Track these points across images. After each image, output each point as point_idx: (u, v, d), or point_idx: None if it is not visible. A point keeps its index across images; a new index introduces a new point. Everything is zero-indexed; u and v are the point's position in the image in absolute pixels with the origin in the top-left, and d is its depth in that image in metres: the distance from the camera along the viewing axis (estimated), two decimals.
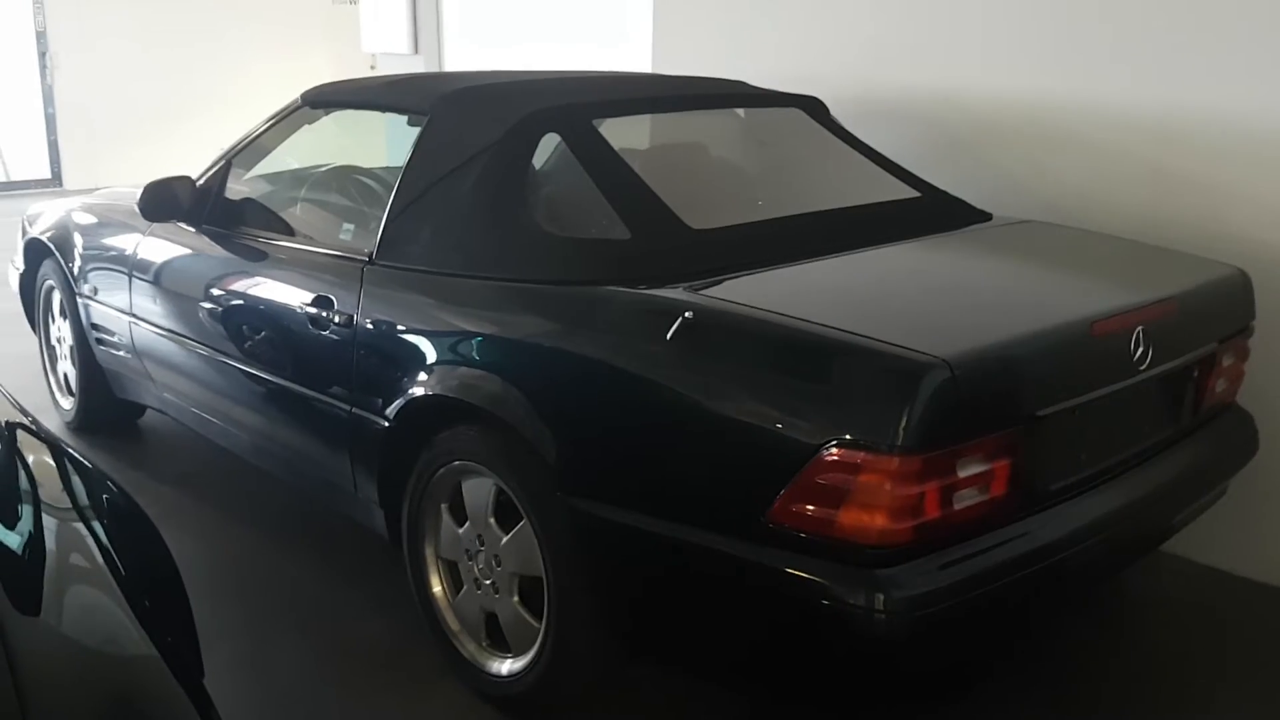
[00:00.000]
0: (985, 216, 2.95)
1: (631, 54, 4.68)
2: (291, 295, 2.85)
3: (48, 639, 1.34)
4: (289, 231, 3.13)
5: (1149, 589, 3.05)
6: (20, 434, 1.87)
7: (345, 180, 3.37)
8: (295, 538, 3.34)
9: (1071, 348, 2.16)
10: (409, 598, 2.67)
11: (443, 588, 2.60)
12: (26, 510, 1.63)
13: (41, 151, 9.87)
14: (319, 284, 2.78)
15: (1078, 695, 2.58)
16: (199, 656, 1.66)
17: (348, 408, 2.69)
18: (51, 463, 1.82)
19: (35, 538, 1.55)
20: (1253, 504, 2.94)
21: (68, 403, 4.15)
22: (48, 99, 9.75)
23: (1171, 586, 3.07)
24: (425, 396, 2.46)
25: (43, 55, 9.66)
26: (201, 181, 3.31)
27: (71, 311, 3.87)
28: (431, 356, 2.48)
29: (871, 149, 3.12)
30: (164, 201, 3.26)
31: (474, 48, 5.74)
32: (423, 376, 2.47)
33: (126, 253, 3.52)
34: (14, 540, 1.52)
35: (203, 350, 3.19)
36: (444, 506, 2.54)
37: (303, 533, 3.37)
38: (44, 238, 3.95)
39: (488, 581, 2.46)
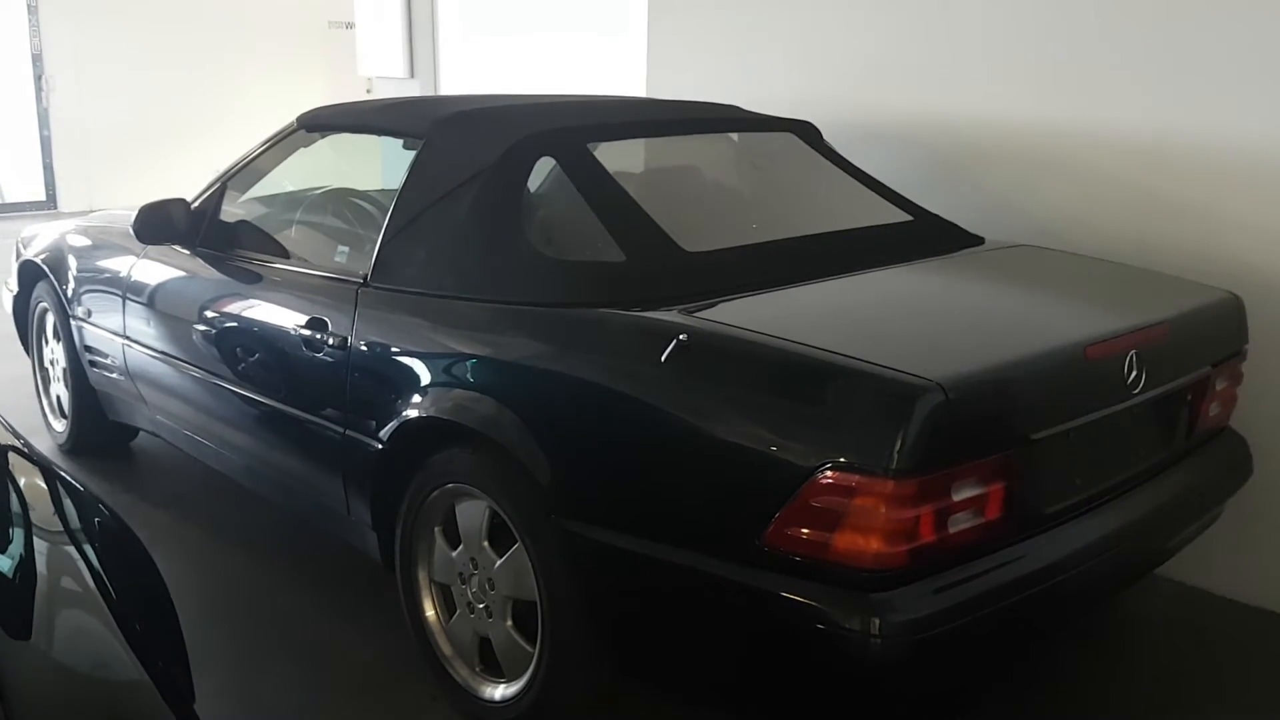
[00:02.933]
0: (978, 240, 2.96)
1: (628, 65, 4.71)
2: (286, 317, 2.85)
3: (38, 663, 1.33)
4: (284, 254, 3.13)
5: (1144, 612, 3.05)
6: (12, 456, 1.86)
7: (340, 203, 3.38)
8: (288, 561, 3.33)
9: (1065, 371, 2.16)
10: (402, 622, 2.65)
11: (436, 612, 2.59)
12: (18, 533, 1.62)
13: (37, 174, 9.88)
14: (313, 306, 2.78)
15: (1067, 717, 2.57)
16: (190, 681, 1.65)
17: (341, 430, 2.68)
18: (43, 485, 1.81)
19: (26, 561, 1.54)
20: (1247, 527, 2.94)
21: (60, 425, 4.13)
22: (43, 121, 9.77)
23: (1167, 610, 3.07)
24: (419, 419, 2.45)
25: (38, 77, 9.68)
26: (197, 204, 3.32)
27: (65, 334, 3.86)
28: (426, 379, 2.48)
29: (864, 173, 3.13)
30: (159, 224, 3.26)
31: (470, 65, 5.77)
32: (417, 399, 2.47)
33: (121, 275, 3.52)
34: (5, 564, 1.52)
35: (196, 373, 3.19)
36: (437, 529, 2.53)
37: (295, 556, 3.35)
38: (38, 260, 3.95)
39: (481, 605, 2.45)
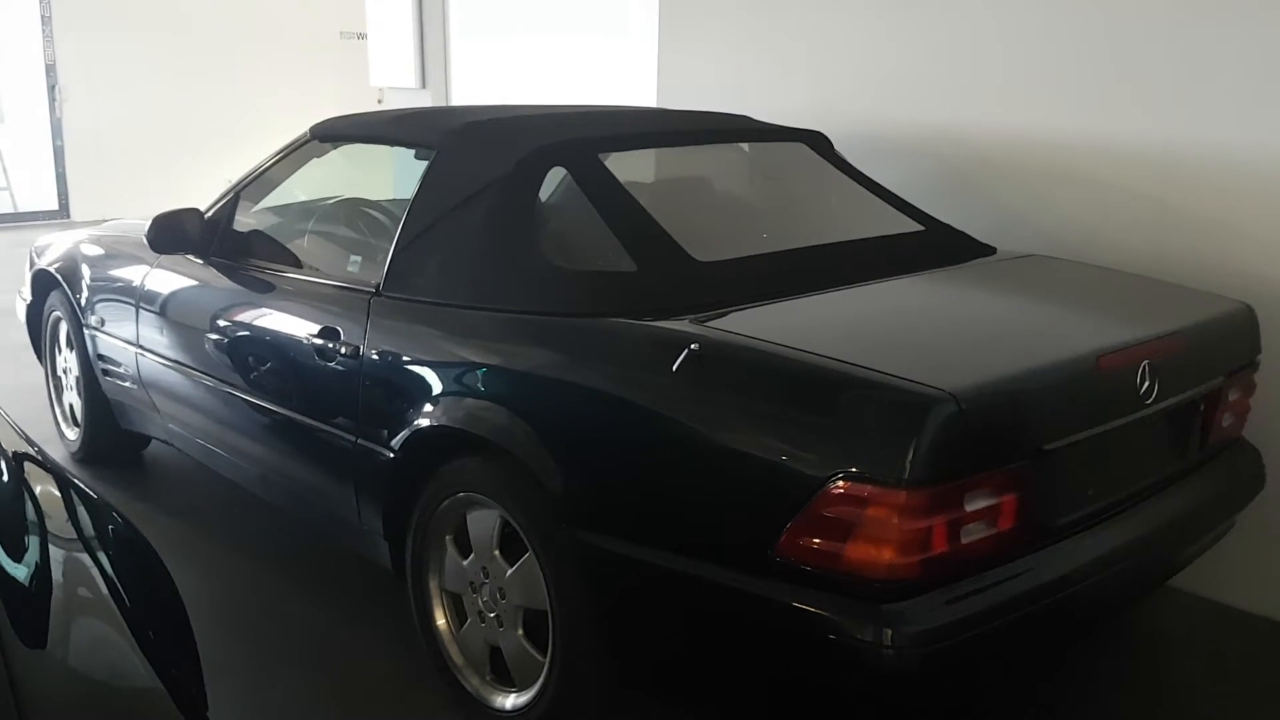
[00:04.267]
0: (989, 251, 2.96)
1: (636, 60, 4.73)
2: (298, 326, 2.86)
3: (53, 672, 1.34)
4: (296, 263, 3.15)
5: (1157, 624, 3.03)
6: (27, 465, 1.86)
7: (353, 213, 3.39)
8: (299, 570, 3.33)
9: (1078, 381, 2.16)
10: (413, 632, 2.65)
11: (447, 621, 2.59)
12: (33, 541, 1.63)
13: (49, 183, 9.94)
14: (326, 315, 2.79)
15: None
16: (203, 689, 1.65)
17: (353, 439, 2.69)
18: (57, 493, 1.81)
19: (42, 569, 1.54)
20: (1260, 539, 2.92)
21: (73, 434, 4.15)
22: (56, 131, 9.83)
23: (1179, 622, 3.05)
24: (431, 428, 2.46)
25: (52, 88, 9.74)
26: (210, 214, 3.33)
27: (78, 342, 3.88)
28: (437, 388, 2.48)
29: (876, 183, 3.13)
30: (172, 233, 3.27)
31: (481, 72, 5.79)
32: (428, 408, 2.47)
33: (134, 284, 3.54)
34: (21, 572, 1.52)
35: (209, 381, 3.20)
36: (449, 538, 2.53)
37: (307, 565, 3.35)
38: (52, 269, 3.97)
39: (492, 614, 2.45)
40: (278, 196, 3.43)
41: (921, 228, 2.98)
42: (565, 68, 5.34)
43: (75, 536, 1.72)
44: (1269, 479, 2.72)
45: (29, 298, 4.22)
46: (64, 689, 1.31)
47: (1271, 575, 3.03)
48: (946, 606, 1.91)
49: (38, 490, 1.78)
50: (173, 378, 3.37)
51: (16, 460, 1.85)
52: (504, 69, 5.68)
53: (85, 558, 1.65)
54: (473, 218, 2.60)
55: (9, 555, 1.55)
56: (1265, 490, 2.70)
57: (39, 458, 1.92)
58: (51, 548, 1.62)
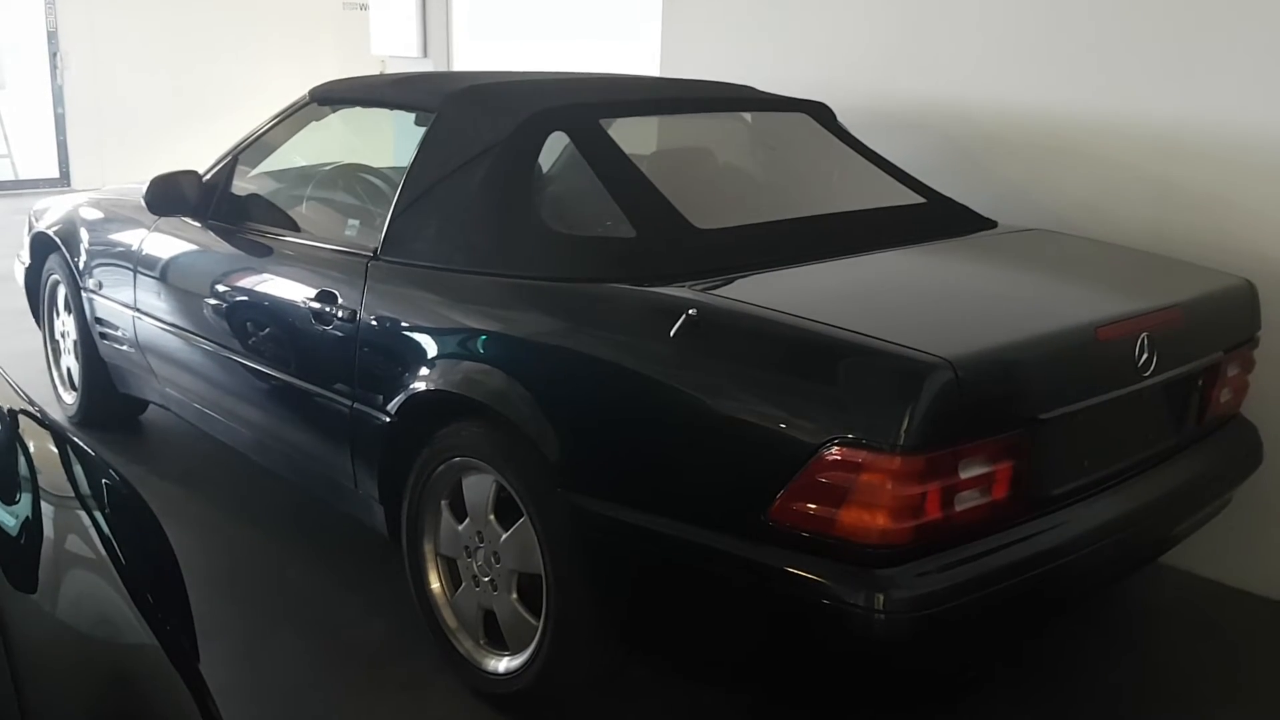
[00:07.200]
0: (990, 224, 2.95)
1: (640, 54, 4.70)
2: (295, 290, 2.85)
3: (43, 621, 1.34)
4: (294, 227, 3.13)
5: (1151, 602, 3.04)
6: (22, 420, 1.86)
7: (351, 177, 3.38)
8: (294, 534, 3.34)
9: (1075, 352, 2.15)
10: (407, 596, 2.66)
11: (441, 585, 2.60)
12: (25, 496, 1.63)
13: (50, 151, 9.90)
14: (323, 279, 2.78)
15: (1075, 706, 2.57)
16: (195, 645, 1.66)
17: (349, 403, 2.69)
18: (54, 449, 1.81)
19: (32, 521, 1.54)
20: (1257, 517, 2.92)
21: (70, 397, 4.15)
22: (57, 98, 9.78)
23: (1173, 600, 3.06)
24: (427, 392, 2.46)
25: (53, 55, 9.69)
26: (208, 176, 3.32)
27: (76, 306, 3.88)
28: (434, 352, 2.48)
29: (878, 155, 3.12)
30: (170, 196, 3.26)
31: (483, 45, 5.77)
32: (425, 372, 2.47)
33: (132, 247, 3.53)
34: (9, 521, 1.52)
35: (206, 345, 3.19)
36: (444, 503, 2.53)
37: (302, 529, 3.36)
38: (50, 232, 3.96)
39: (486, 579, 2.45)
40: (276, 160, 3.42)
41: (923, 200, 2.96)
42: (570, 33, 5.30)
43: (71, 493, 1.72)
44: (1266, 456, 2.71)
45: (27, 261, 4.21)
46: (54, 636, 1.31)
47: (1267, 553, 3.03)
48: (939, 573, 1.91)
49: (32, 446, 1.78)
50: (170, 341, 3.37)
51: (11, 416, 1.85)
52: (506, 31, 5.64)
53: (81, 513, 1.65)
54: (472, 181, 2.59)
55: (2, 509, 1.55)
56: (1262, 467, 2.70)
57: (36, 414, 1.92)
58: (45, 503, 1.62)
